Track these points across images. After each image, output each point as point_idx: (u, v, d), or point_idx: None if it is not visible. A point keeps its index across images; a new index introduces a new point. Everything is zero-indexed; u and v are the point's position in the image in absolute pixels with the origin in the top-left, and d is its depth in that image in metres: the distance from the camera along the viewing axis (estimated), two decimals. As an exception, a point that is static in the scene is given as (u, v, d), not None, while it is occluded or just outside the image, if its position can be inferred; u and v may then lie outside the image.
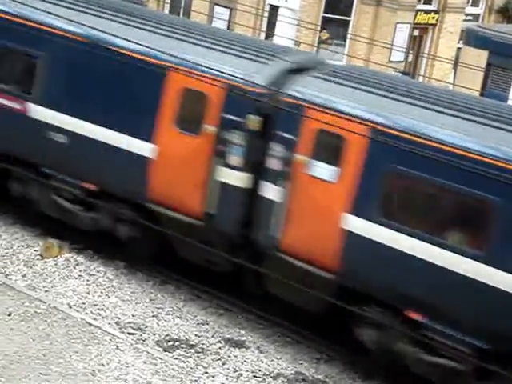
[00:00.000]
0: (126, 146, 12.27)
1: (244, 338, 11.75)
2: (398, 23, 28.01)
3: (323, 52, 26.19)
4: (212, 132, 11.56)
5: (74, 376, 10.16)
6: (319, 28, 27.14)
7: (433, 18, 29.66)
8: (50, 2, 13.21)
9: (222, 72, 11.04)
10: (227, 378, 10.80)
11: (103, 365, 10.50)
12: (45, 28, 12.72)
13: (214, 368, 10.97)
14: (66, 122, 12.69)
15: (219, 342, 11.58)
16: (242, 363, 11.17)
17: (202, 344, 11.45)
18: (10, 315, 11.24)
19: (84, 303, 11.93)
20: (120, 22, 12.82)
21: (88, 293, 12.23)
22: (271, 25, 28.02)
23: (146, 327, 11.63)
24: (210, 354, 11.26)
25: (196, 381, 10.60)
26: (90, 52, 12.40)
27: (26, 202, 13.53)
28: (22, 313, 11.34)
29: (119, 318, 11.71)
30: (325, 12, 28.12)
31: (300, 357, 11.57)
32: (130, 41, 11.54)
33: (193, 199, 11.80)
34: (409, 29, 28.58)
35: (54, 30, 12.62)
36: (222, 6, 28.95)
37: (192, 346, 11.36)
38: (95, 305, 11.94)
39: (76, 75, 12.69)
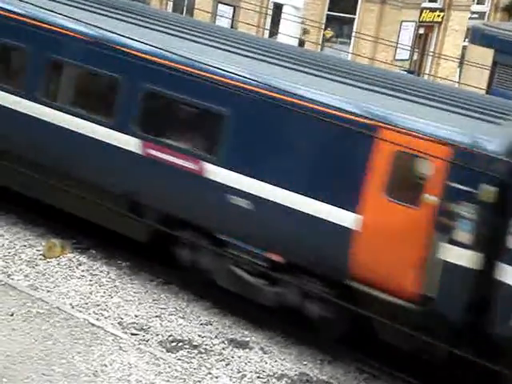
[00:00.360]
0: (321, 215, 10.80)
1: (248, 339, 11.69)
2: (403, 21, 27.96)
3: (328, 50, 26.13)
4: (433, 203, 10.10)
5: (77, 376, 10.11)
6: (323, 26, 27.07)
7: (438, 16, 29.60)
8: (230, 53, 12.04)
9: (446, 133, 9.97)
10: (231, 379, 10.74)
11: (106, 365, 10.44)
12: (232, 83, 11.14)
13: (217, 369, 10.91)
14: (252, 185, 11.26)
15: (223, 342, 11.51)
16: (246, 364, 11.12)
17: (206, 344, 11.39)
18: (12, 315, 11.19)
19: (87, 303, 11.88)
20: (310, 74, 11.52)
21: (91, 293, 12.18)
22: (275, 23, 27.95)
23: (149, 327, 11.57)
24: (214, 354, 11.20)
25: (199, 381, 10.54)
26: (282, 110, 10.80)
27: (195, 271, 12.25)
28: (25, 313, 11.29)
29: (122, 319, 11.66)
30: (329, 10, 28.08)
31: (304, 357, 11.50)
32: (330, 102, 10.41)
33: (406, 279, 10.33)
34: (414, 27, 28.53)
35: (241, 85, 11.14)
36: (225, 3, 28.91)
37: (195, 347, 11.30)
38: (98, 305, 11.89)
39: (265, 135, 11.30)
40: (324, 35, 27.48)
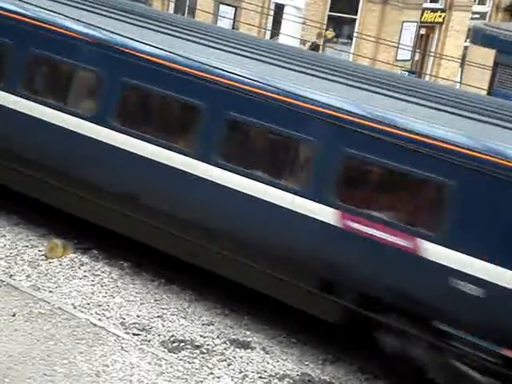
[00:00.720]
0: None
1: (249, 339, 11.70)
2: (404, 22, 27.99)
3: (329, 51, 26.16)
4: None
5: (79, 377, 10.11)
6: (325, 27, 27.11)
7: (439, 16, 29.63)
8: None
9: None
10: (232, 379, 10.75)
11: (108, 366, 10.45)
12: (460, 151, 9.79)
13: (219, 369, 10.91)
14: (486, 269, 9.72)
15: (224, 342, 11.52)
16: (248, 364, 11.12)
17: (208, 345, 11.40)
18: (14, 316, 11.20)
19: (88, 304, 11.89)
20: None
21: (93, 293, 12.19)
22: (276, 23, 28.01)
23: (151, 328, 11.58)
24: (216, 354, 11.21)
25: (201, 382, 10.55)
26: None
27: (401, 359, 10.76)
28: (27, 313, 11.30)
29: (124, 319, 11.67)
30: (330, 10, 28.10)
31: (306, 358, 11.51)
32: None
33: None
34: (415, 27, 28.56)
35: (470, 153, 9.73)
36: (227, 4, 28.95)
37: (197, 347, 11.31)
38: (100, 305, 11.90)
39: (501, 212, 9.79)
40: (325, 35, 27.51)
